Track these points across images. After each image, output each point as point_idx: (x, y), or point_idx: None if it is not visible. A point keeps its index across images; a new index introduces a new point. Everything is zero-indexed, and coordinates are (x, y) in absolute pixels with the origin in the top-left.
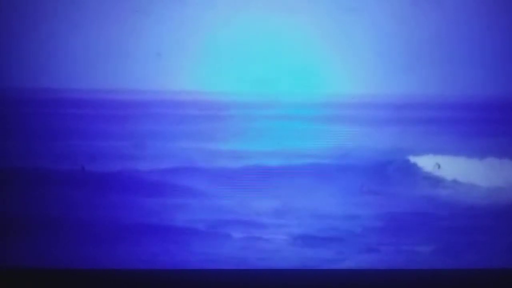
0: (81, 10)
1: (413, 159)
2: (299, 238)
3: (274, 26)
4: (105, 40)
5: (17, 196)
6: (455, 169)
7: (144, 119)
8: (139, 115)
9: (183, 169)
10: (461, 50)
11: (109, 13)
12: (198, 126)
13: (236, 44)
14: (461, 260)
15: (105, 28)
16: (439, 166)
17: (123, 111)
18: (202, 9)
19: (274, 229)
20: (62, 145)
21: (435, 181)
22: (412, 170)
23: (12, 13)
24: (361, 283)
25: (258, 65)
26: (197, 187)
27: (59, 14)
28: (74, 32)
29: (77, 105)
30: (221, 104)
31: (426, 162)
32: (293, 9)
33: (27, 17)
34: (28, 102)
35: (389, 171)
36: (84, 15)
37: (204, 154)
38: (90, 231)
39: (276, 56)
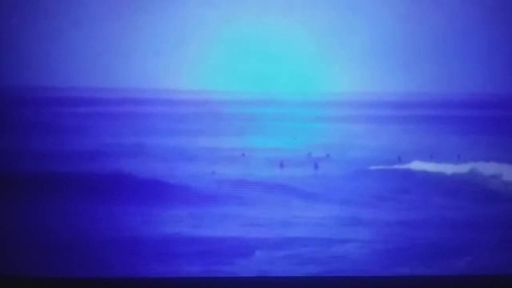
0: (81, 10)
1: (414, 156)
2: (297, 241)
3: (275, 26)
4: (104, 39)
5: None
6: (454, 168)
7: (142, 118)
8: (137, 113)
9: (182, 168)
10: (461, 49)
11: (109, 13)
12: (197, 125)
13: (236, 43)
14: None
15: (105, 27)
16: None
17: (121, 109)
18: (201, 9)
19: (279, 231)
20: (63, 144)
21: (438, 178)
22: (415, 168)
23: (14, 13)
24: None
25: (258, 64)
26: (200, 188)
27: (59, 14)
28: (74, 31)
29: (73, 103)
30: (220, 103)
31: (429, 160)
32: (294, 9)
33: (28, 17)
34: (24, 101)
35: (394, 168)
36: (85, 15)
37: (204, 152)
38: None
39: (277, 55)
